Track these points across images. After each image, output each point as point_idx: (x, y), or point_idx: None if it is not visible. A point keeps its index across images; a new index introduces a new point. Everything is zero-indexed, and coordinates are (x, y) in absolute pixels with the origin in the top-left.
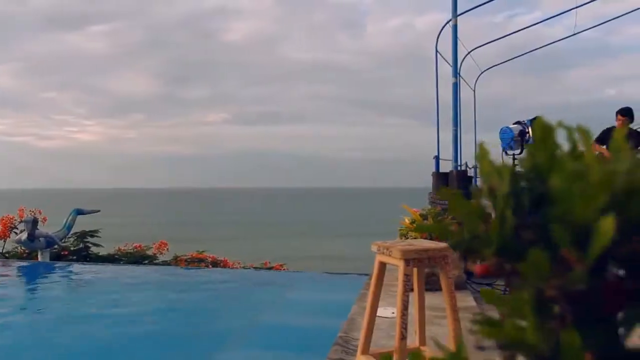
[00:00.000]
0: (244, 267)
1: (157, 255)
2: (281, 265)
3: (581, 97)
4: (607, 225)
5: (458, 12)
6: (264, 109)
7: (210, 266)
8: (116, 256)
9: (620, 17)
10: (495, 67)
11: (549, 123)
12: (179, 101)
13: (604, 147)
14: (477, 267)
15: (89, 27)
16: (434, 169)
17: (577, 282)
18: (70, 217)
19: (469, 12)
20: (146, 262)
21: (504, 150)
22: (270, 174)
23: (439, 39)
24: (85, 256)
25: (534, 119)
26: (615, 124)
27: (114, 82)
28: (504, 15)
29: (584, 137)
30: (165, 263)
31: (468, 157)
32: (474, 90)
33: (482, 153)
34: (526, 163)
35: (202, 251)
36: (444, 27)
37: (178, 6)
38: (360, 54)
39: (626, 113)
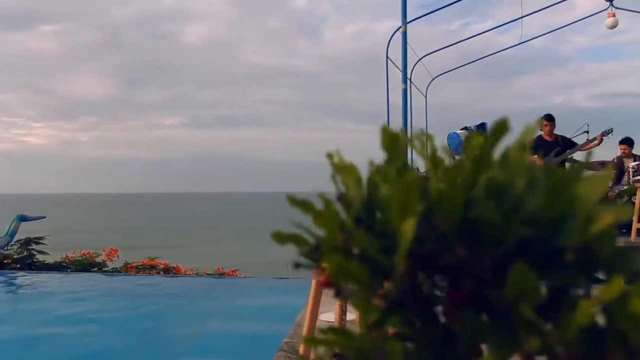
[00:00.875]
0: (196, 274)
1: (107, 262)
2: (234, 271)
3: (531, 104)
4: (407, 229)
5: (408, 20)
6: (220, 113)
7: (162, 273)
8: (63, 264)
9: (567, 28)
10: (450, 74)
11: (395, 131)
12: (133, 104)
13: (534, 155)
14: (321, 278)
15: (38, 26)
16: None
17: (390, 290)
18: (14, 224)
19: (425, 20)
20: (95, 269)
21: (452, 155)
22: (228, 178)
23: (394, 46)
24: (30, 264)
25: (480, 124)
26: (541, 132)
27: (65, 83)
28: (459, 24)
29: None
30: (115, 270)
31: (420, 162)
32: (426, 96)
33: (337, 165)
34: (373, 171)
35: (154, 258)
36: (394, 34)
37: (132, 6)
38: (318, 59)
39: (547, 119)
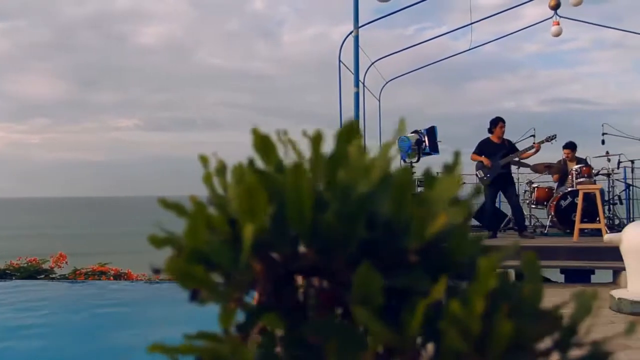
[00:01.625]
0: (148, 280)
1: (55, 269)
2: None
3: (483, 108)
4: (247, 234)
5: (360, 24)
6: (177, 115)
7: (112, 279)
8: (7, 271)
9: (518, 36)
10: (406, 79)
11: (265, 134)
12: (88, 106)
13: (482, 156)
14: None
15: None
16: None
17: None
18: None
19: (383, 25)
20: (41, 276)
21: (403, 158)
22: (185, 181)
23: (349, 50)
24: None
25: (430, 128)
26: (489, 135)
27: (16, 84)
28: (414, 29)
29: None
30: (63, 277)
31: None
32: (379, 100)
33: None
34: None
35: (105, 263)
36: (346, 37)
37: (87, 6)
38: (276, 62)
39: (502, 120)
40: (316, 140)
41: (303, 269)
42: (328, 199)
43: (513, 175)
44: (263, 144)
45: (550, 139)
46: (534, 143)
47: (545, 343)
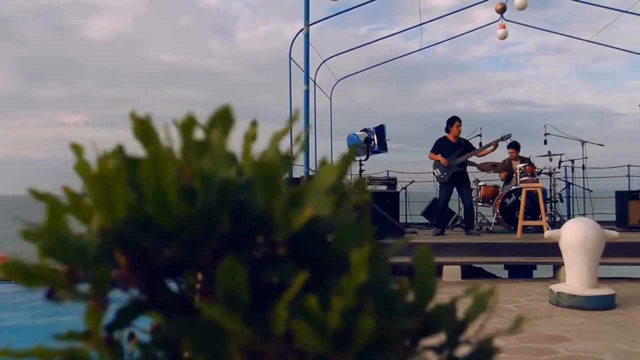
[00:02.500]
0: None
1: None
2: None
3: (435, 107)
4: (94, 223)
5: (310, 22)
6: (124, 112)
7: None
8: None
9: (468, 38)
10: (360, 78)
11: (145, 118)
12: (31, 100)
13: (439, 155)
14: None
15: None
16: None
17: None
18: None
19: (336, 24)
20: None
21: (359, 154)
22: None
23: (302, 48)
24: None
25: (379, 126)
26: (446, 134)
27: None
28: (367, 29)
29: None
30: None
31: None
32: (330, 98)
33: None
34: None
35: None
36: (296, 35)
37: None
38: (230, 59)
39: (452, 122)
40: (186, 126)
41: (171, 264)
42: (197, 189)
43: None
44: (142, 129)
45: (504, 138)
46: (480, 144)
47: (437, 339)
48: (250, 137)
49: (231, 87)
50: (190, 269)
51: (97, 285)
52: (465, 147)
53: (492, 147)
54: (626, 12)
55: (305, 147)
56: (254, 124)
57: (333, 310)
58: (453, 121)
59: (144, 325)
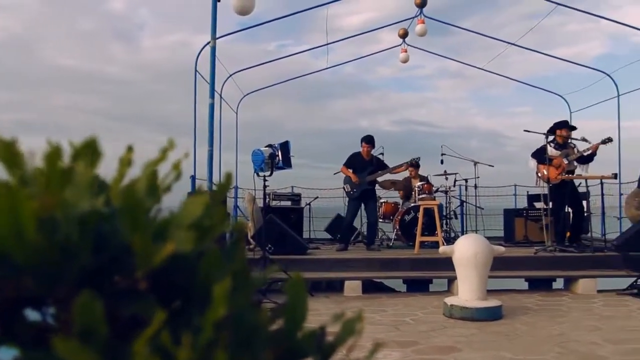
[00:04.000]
0: None
1: None
2: None
3: (341, 125)
4: None
5: (218, 35)
6: (21, 117)
7: None
8: None
9: (373, 60)
10: (268, 94)
11: (11, 141)
12: None
13: (350, 170)
14: None
15: None
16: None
17: None
18: None
19: (245, 39)
20: None
21: (256, 171)
22: None
23: (207, 60)
24: None
25: (284, 142)
26: (360, 150)
27: None
28: (276, 45)
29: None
30: None
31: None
32: (237, 113)
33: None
34: None
35: None
36: (203, 48)
37: None
38: (135, 67)
39: (368, 141)
40: (52, 156)
41: (24, 297)
42: (58, 220)
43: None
44: (7, 153)
45: (415, 160)
46: (403, 162)
47: None
48: (125, 162)
49: (135, 96)
50: (48, 302)
51: None
52: (377, 165)
53: (403, 167)
54: (513, 44)
55: (179, 177)
56: (130, 148)
57: (184, 346)
58: (361, 141)
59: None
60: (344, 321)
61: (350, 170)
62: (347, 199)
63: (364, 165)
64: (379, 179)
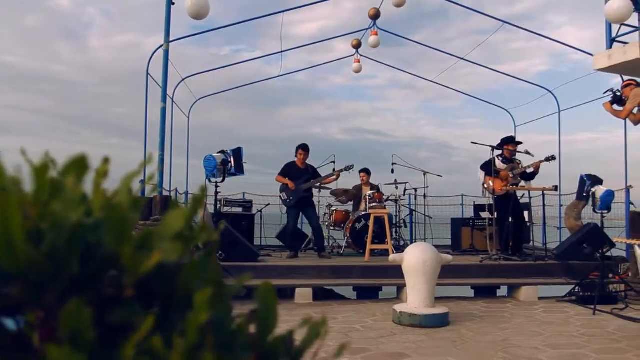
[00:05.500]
0: None
1: None
2: None
3: (293, 132)
4: None
5: (171, 39)
6: None
7: None
8: None
9: (326, 68)
10: (221, 99)
11: None
12: None
13: (287, 178)
14: None
15: None
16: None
17: None
18: None
19: (198, 43)
20: None
21: (208, 177)
22: None
23: (158, 63)
24: None
25: (237, 149)
26: (295, 159)
27: None
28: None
29: None
30: None
31: (180, 182)
32: (188, 117)
33: None
34: None
35: None
36: (155, 51)
37: None
38: (82, 67)
39: (304, 148)
40: (41, 170)
41: (11, 303)
42: (45, 231)
43: (314, 198)
44: None
45: (347, 169)
46: (334, 170)
47: None
48: (102, 174)
49: (82, 96)
50: (33, 308)
51: None
52: (312, 173)
53: (334, 176)
54: (462, 59)
55: (156, 189)
56: (106, 160)
57: (176, 349)
58: (297, 149)
59: None
60: (310, 325)
61: (287, 179)
62: (284, 207)
63: (300, 174)
64: (332, 187)
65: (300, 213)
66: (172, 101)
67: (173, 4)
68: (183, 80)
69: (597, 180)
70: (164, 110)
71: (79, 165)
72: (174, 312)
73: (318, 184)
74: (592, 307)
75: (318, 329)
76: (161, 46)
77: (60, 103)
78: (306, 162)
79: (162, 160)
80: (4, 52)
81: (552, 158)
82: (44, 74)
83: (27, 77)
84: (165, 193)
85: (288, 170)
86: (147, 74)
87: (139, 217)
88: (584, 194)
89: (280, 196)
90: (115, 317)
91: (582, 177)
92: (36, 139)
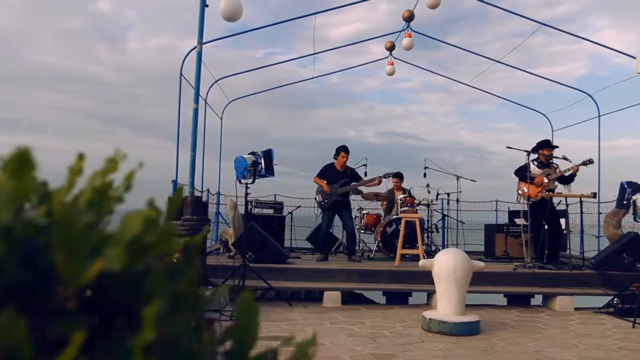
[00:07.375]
0: None
1: None
2: None
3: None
4: None
5: (204, 41)
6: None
7: None
8: None
9: (360, 71)
10: (254, 101)
11: None
12: None
13: (324, 181)
14: None
15: None
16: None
17: None
18: None
19: (232, 45)
20: None
21: (238, 179)
22: None
23: (192, 65)
24: None
25: (267, 150)
26: (334, 161)
27: None
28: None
29: None
30: None
31: (212, 183)
32: (221, 118)
33: None
34: None
35: None
36: (189, 52)
37: None
38: (120, 69)
39: (346, 150)
40: None
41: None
42: None
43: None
44: None
45: (387, 176)
46: (365, 173)
47: None
48: (76, 171)
49: (119, 98)
50: None
51: None
52: (351, 176)
53: (376, 181)
54: (498, 62)
55: (129, 188)
56: (80, 156)
57: None
58: (338, 152)
59: None
60: (297, 345)
61: (325, 181)
62: (319, 209)
63: (337, 177)
64: (363, 191)
65: (334, 216)
66: (205, 102)
67: (207, 6)
68: (216, 81)
69: (638, 188)
70: (196, 111)
71: (20, 160)
72: (135, 326)
73: (358, 187)
74: (632, 319)
75: (305, 349)
76: (194, 48)
77: (98, 103)
78: (346, 165)
79: (193, 161)
80: (45, 53)
81: (590, 162)
82: (82, 75)
83: (65, 77)
84: (197, 194)
85: (325, 172)
86: (181, 75)
87: (108, 217)
88: (624, 202)
89: (315, 198)
90: (54, 330)
91: (622, 184)
92: (74, 138)
